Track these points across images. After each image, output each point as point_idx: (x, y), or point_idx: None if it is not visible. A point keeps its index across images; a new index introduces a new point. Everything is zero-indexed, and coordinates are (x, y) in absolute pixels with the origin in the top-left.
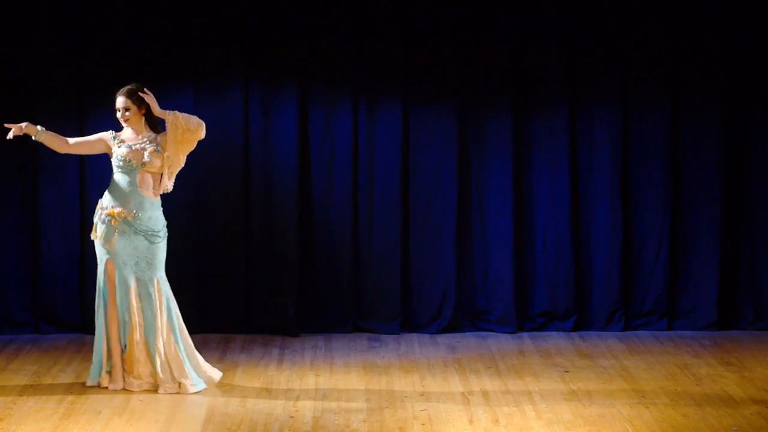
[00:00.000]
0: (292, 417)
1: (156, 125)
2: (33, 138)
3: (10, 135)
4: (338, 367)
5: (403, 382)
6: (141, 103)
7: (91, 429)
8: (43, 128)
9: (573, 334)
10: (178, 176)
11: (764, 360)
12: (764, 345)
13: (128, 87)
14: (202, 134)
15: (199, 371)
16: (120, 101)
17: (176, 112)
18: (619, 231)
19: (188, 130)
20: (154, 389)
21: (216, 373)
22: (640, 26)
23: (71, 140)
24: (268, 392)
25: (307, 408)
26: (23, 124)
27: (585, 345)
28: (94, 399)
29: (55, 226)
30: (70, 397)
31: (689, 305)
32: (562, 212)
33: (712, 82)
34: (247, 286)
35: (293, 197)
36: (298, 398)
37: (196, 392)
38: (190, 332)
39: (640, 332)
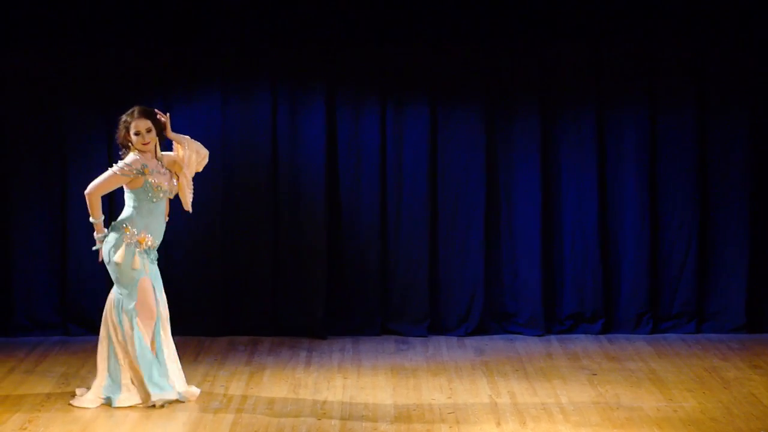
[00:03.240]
0: (319, 420)
1: (159, 146)
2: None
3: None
4: (366, 369)
5: (430, 384)
6: (157, 123)
7: (119, 431)
8: (102, 236)
9: (601, 336)
10: (206, 180)
11: None
12: None
13: (140, 108)
14: (205, 163)
15: None
16: (142, 124)
17: (187, 137)
18: (647, 233)
19: (201, 157)
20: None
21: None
22: (667, 28)
23: (99, 196)
24: (295, 395)
25: (334, 411)
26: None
27: (613, 348)
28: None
29: (83, 229)
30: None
31: (717, 308)
32: (589, 214)
33: (739, 83)
34: (275, 289)
35: (321, 199)
36: (325, 401)
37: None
38: (218, 334)
39: (668, 335)
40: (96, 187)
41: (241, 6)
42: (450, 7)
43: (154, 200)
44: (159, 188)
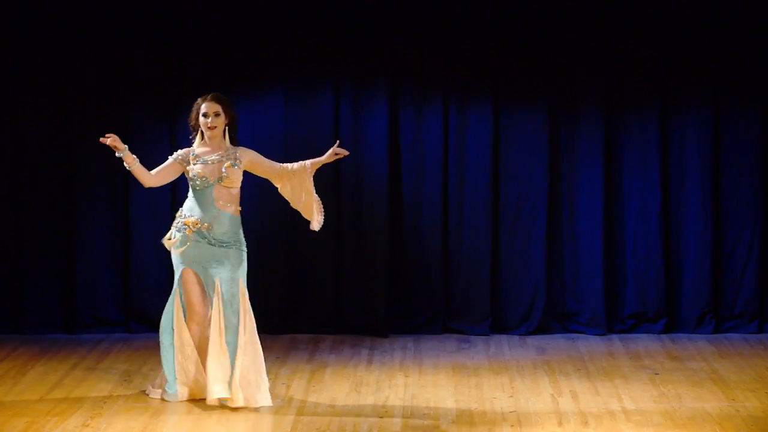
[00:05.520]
0: (381, 418)
1: (235, 139)
2: (121, 159)
3: (104, 140)
4: (427, 368)
5: (492, 383)
6: (228, 111)
7: (181, 428)
8: (137, 159)
9: (663, 336)
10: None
11: None
12: None
13: (216, 93)
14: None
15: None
16: (210, 106)
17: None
18: (710, 233)
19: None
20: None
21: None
22: (732, 28)
23: (152, 172)
24: (357, 393)
25: (396, 409)
26: (119, 145)
27: (675, 347)
28: None
29: (146, 226)
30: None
31: None
32: (652, 214)
33: None
34: (337, 287)
35: (383, 198)
36: (387, 399)
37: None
38: (280, 332)
39: (730, 335)
40: (155, 172)
41: (303, 6)
42: (514, 6)
43: (197, 188)
44: (196, 177)
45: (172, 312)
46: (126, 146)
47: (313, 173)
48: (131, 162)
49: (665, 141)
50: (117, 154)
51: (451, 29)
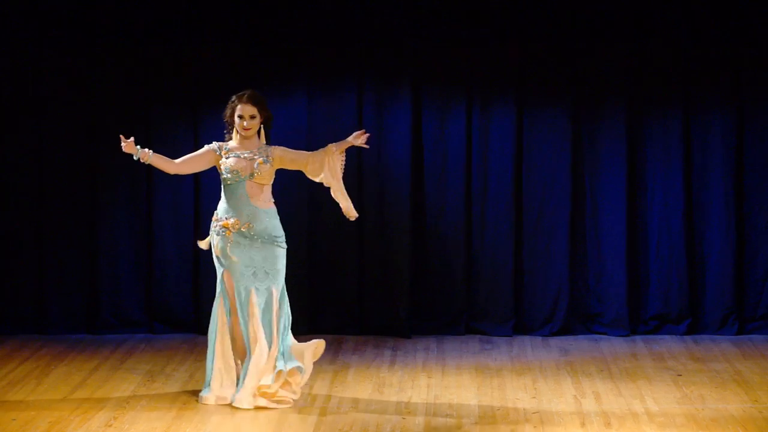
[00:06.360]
0: (403, 418)
1: (269, 137)
2: (138, 159)
3: (124, 145)
4: (450, 369)
5: (515, 384)
6: (263, 112)
7: (204, 429)
8: (151, 151)
9: (686, 337)
10: (292, 177)
11: None
12: None
13: (252, 92)
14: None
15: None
16: (246, 109)
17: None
18: (733, 234)
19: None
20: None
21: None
22: (755, 29)
23: (177, 160)
24: (379, 393)
25: (419, 409)
26: (131, 143)
27: (698, 349)
28: None
29: (169, 226)
30: (183, 397)
31: None
32: (675, 215)
33: None
34: (359, 288)
35: (406, 198)
36: (409, 400)
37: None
38: (304, 333)
39: (753, 336)
40: (182, 160)
41: (326, 5)
42: (537, 6)
43: (228, 182)
44: (226, 170)
45: (216, 315)
46: (137, 148)
47: (340, 152)
48: (146, 158)
49: (688, 141)
50: (134, 158)
51: (474, 29)
